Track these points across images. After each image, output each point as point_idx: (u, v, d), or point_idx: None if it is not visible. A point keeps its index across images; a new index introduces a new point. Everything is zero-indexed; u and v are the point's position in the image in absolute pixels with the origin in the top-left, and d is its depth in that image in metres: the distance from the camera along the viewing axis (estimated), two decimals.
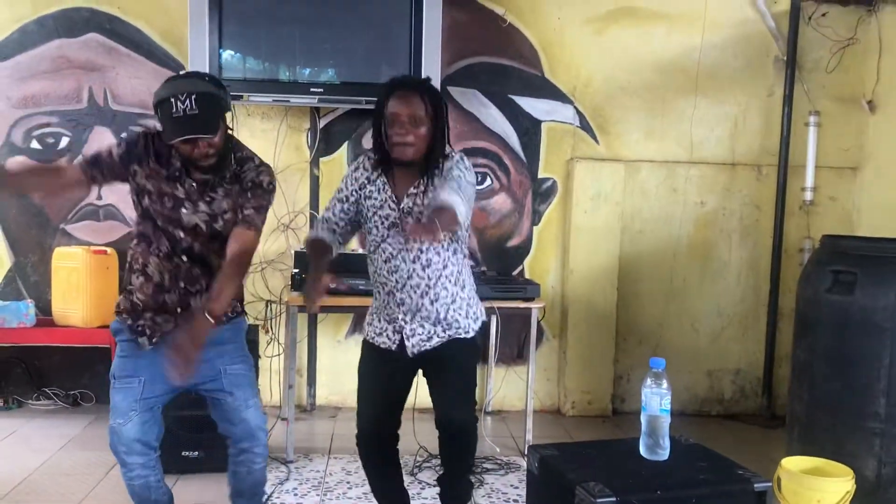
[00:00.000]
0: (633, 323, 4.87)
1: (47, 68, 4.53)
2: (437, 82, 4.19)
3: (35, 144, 4.57)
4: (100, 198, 4.61)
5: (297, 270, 4.00)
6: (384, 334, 2.70)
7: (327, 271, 2.57)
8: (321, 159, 4.66)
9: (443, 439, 2.78)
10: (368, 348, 2.78)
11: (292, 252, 4.37)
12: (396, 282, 2.62)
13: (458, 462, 2.83)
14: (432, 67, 4.20)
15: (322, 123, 4.63)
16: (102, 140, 4.56)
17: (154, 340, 2.58)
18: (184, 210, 2.52)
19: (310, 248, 2.68)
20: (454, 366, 2.70)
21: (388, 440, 2.82)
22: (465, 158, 2.60)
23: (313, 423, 4.54)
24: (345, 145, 4.71)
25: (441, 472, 2.91)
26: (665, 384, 2.08)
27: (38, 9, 4.51)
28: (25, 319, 4.38)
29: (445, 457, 2.84)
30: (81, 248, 4.45)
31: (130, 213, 4.55)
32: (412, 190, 2.56)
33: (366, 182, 2.64)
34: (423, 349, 2.67)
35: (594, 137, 4.79)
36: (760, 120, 4.85)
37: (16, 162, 2.30)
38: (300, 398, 4.71)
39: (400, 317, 2.66)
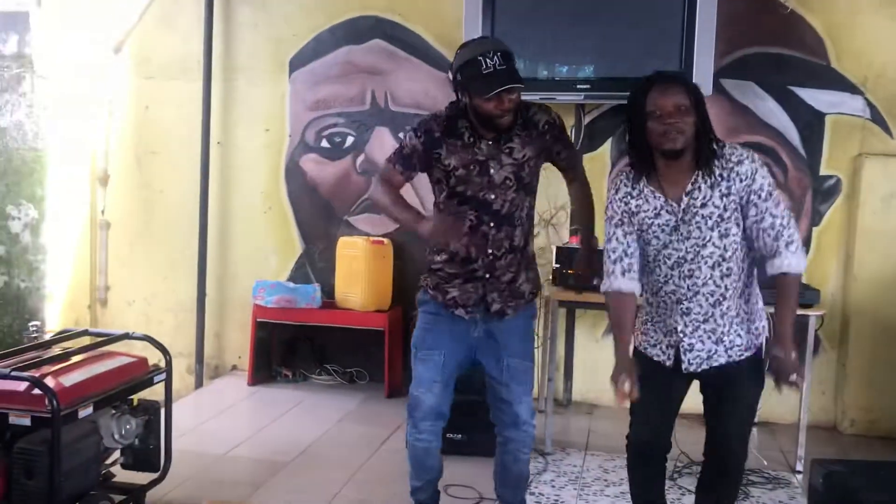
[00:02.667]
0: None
1: (336, 73, 4.96)
2: (709, 74, 4.07)
3: (325, 143, 5.02)
4: None
5: (557, 265, 4.03)
6: (658, 346, 2.58)
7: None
8: (585, 155, 4.66)
9: (709, 469, 2.69)
10: (642, 358, 2.63)
11: (553, 248, 4.41)
12: (688, 289, 2.48)
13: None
14: (705, 60, 4.06)
15: (587, 120, 4.64)
16: (383, 139, 4.92)
17: (469, 310, 2.70)
18: (492, 170, 2.62)
19: (612, 307, 2.59)
20: (736, 395, 2.56)
21: (661, 451, 2.71)
22: (757, 158, 2.45)
23: (569, 418, 4.56)
24: (608, 141, 4.67)
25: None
26: None
27: (330, 19, 4.94)
28: (312, 301, 4.83)
29: (706, 487, 2.73)
30: (362, 238, 4.83)
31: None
32: (689, 187, 2.43)
33: (629, 198, 2.51)
34: (700, 367, 2.52)
35: (888, 131, 4.35)
36: None
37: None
38: (557, 392, 4.75)
39: (680, 328, 2.51)
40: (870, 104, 4.35)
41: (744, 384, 2.55)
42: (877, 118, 4.35)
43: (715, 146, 2.42)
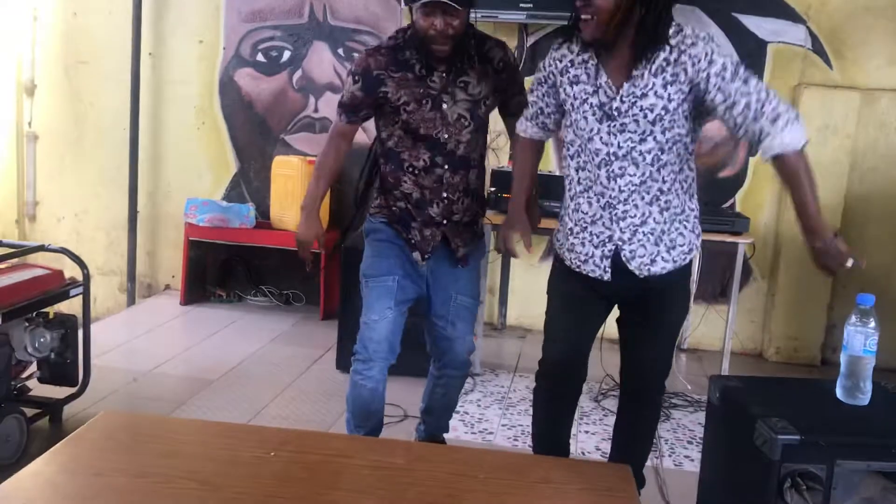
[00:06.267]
0: (855, 268, 4.43)
1: None
2: None
3: (260, 57, 4.86)
4: (316, 110, 4.83)
5: (493, 189, 3.99)
6: (591, 260, 2.25)
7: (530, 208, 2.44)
8: (527, 78, 4.56)
9: (627, 399, 2.53)
10: (568, 274, 2.33)
11: (490, 171, 4.36)
12: (620, 190, 2.16)
13: (634, 436, 2.56)
14: None
15: (530, 41, 4.54)
16: (321, 55, 4.77)
17: (426, 256, 2.56)
18: (444, 105, 2.44)
19: (517, 152, 2.44)
20: (663, 319, 2.35)
21: (576, 377, 2.46)
22: (714, 39, 2.06)
23: (502, 342, 4.59)
24: None
25: (614, 435, 2.62)
26: (873, 323, 1.87)
27: None
28: (246, 221, 4.75)
29: (626, 418, 2.57)
30: (298, 157, 4.72)
31: None
32: (635, 72, 2.08)
33: (569, 64, 2.18)
34: (650, 273, 2.22)
35: (827, 62, 4.34)
36: None
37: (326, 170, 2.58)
38: (491, 317, 4.77)
39: (617, 234, 2.20)
40: (812, 34, 4.32)
41: (670, 306, 2.35)
42: (818, 48, 4.33)
43: (660, 30, 2.04)
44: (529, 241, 2.36)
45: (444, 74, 2.44)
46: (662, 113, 2.08)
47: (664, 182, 2.16)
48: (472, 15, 2.45)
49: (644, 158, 2.12)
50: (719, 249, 4.00)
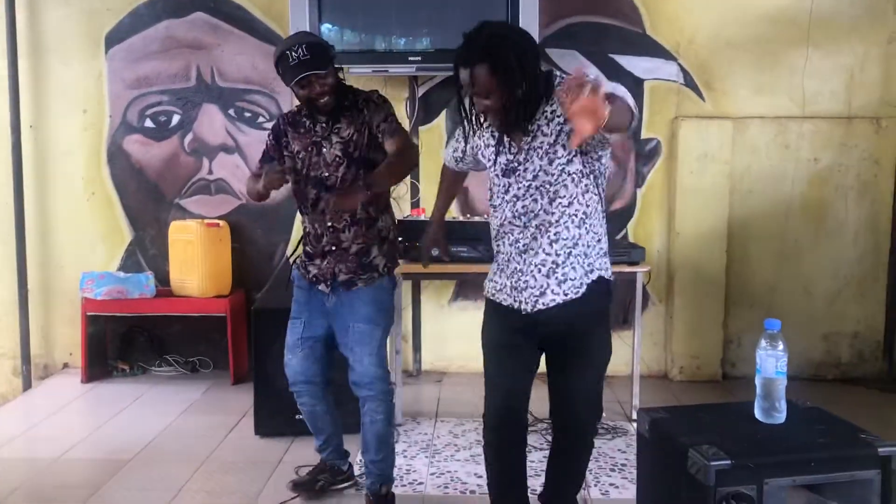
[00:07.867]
0: (743, 286, 4.72)
1: (157, 49, 4.71)
2: None
3: (149, 123, 4.77)
4: (210, 172, 4.78)
5: (401, 239, 4.03)
6: (504, 291, 2.45)
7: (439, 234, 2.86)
8: (420, 128, 4.68)
9: (557, 433, 2.59)
10: (492, 308, 2.53)
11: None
12: (525, 225, 2.37)
13: (566, 472, 2.62)
14: (530, 29, 4.12)
15: (420, 92, 4.65)
16: (212, 116, 4.73)
17: (329, 284, 2.93)
18: (324, 149, 2.89)
19: (443, 177, 2.88)
20: (585, 356, 2.44)
21: (516, 421, 2.53)
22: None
23: (420, 388, 4.61)
24: (443, 113, 4.71)
25: (547, 471, 2.69)
26: (781, 346, 2.01)
27: None
28: (146, 290, 4.61)
29: (556, 452, 2.63)
30: (195, 221, 4.64)
31: (239, 186, 4.75)
32: (530, 127, 2.33)
33: (482, 131, 2.49)
34: (536, 307, 2.36)
35: (700, 95, 4.63)
36: (879, 70, 4.58)
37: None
38: (406, 364, 4.79)
39: (518, 266, 2.39)
40: (683, 69, 4.61)
41: (589, 344, 2.44)
42: (689, 82, 4.63)
43: (539, 92, 2.27)
44: (444, 248, 2.90)
45: (323, 125, 2.90)
46: (547, 147, 2.32)
47: (552, 214, 2.32)
48: (340, 70, 2.88)
49: (541, 193, 2.33)
50: (619, 279, 4.11)
